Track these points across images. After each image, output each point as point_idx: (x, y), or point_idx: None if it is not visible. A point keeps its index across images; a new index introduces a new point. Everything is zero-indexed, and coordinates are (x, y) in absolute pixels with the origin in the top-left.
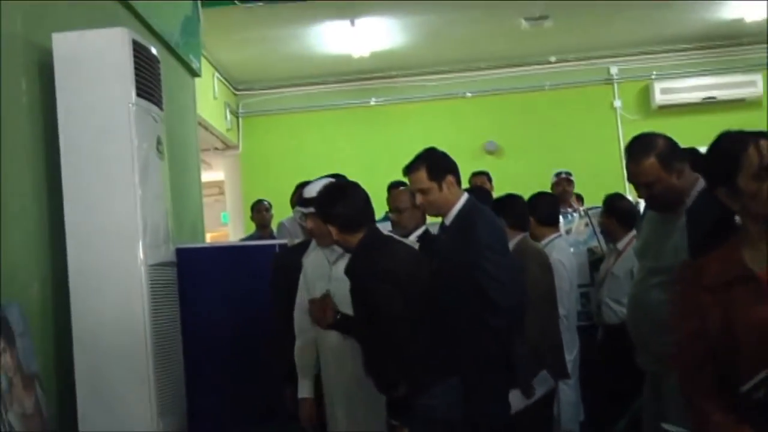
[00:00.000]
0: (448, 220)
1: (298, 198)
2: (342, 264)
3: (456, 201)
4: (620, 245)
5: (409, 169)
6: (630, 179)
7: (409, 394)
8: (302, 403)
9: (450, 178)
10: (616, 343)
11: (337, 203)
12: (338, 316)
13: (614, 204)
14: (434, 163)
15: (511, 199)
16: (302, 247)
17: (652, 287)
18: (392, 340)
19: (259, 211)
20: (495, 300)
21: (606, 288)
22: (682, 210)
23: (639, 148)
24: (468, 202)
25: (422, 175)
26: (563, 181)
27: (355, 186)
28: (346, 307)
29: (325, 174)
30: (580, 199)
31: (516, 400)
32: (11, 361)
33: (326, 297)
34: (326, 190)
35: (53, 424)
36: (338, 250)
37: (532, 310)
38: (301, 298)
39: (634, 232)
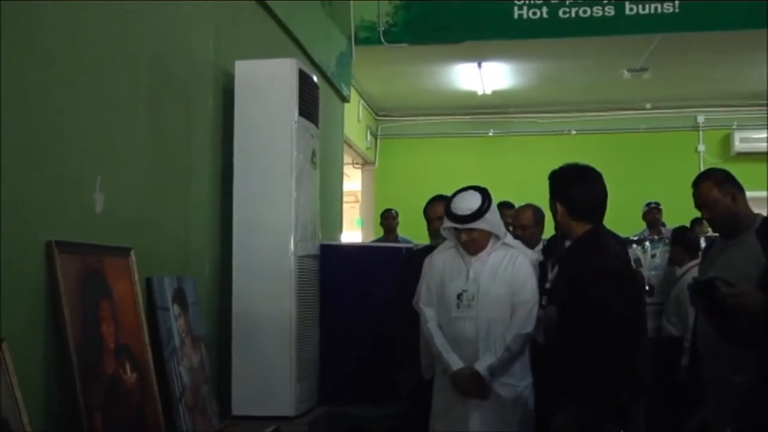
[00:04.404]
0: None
1: (446, 212)
2: (478, 266)
3: None
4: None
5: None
6: (695, 204)
7: (631, 398)
8: (461, 374)
9: None
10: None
11: (575, 185)
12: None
13: (680, 234)
14: None
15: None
16: (426, 250)
17: None
18: (616, 343)
19: (387, 218)
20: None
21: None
22: (745, 235)
23: (700, 176)
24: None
25: None
26: (653, 210)
27: (598, 176)
28: (483, 305)
29: (465, 186)
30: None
31: None
32: (184, 324)
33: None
34: (568, 170)
35: (212, 378)
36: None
37: None
38: (427, 289)
39: (698, 260)
